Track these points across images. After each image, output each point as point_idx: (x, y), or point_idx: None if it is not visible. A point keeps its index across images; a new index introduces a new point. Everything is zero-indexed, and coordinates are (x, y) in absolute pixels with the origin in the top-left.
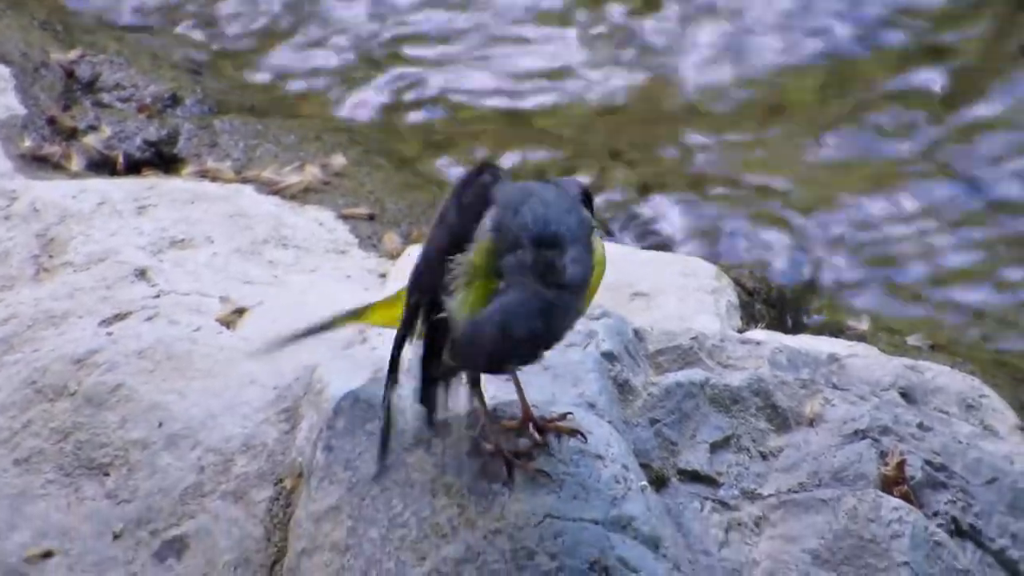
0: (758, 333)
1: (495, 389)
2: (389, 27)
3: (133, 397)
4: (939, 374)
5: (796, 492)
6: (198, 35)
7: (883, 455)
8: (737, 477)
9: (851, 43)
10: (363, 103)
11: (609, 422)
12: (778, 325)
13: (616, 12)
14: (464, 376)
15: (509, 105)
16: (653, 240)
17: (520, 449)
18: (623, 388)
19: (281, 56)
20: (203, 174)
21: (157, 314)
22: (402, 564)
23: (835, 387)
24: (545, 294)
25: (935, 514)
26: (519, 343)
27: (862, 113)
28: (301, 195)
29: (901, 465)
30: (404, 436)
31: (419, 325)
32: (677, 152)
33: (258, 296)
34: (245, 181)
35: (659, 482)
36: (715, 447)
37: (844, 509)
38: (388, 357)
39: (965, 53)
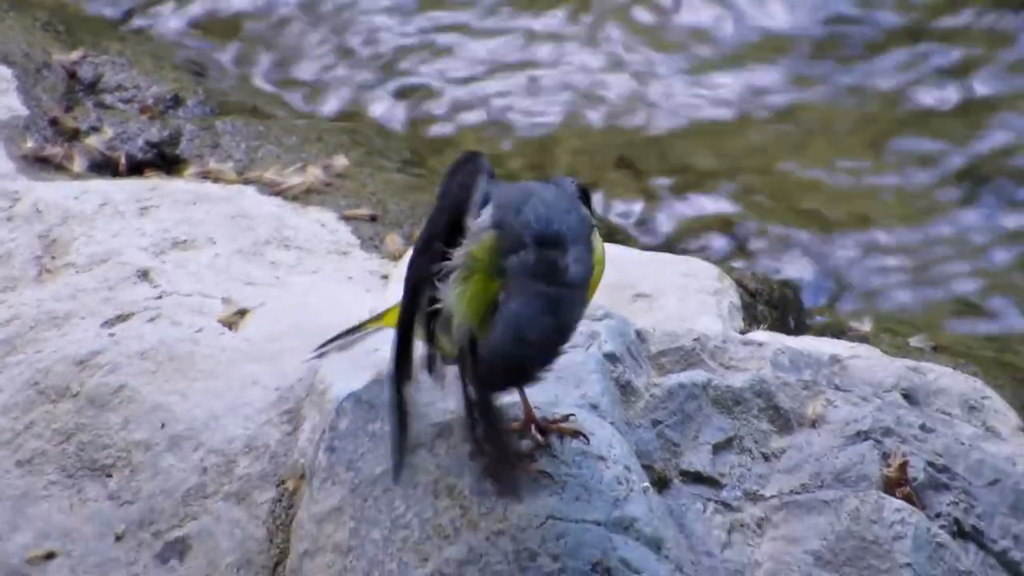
0: (760, 334)
1: None
2: (392, 28)
3: (135, 398)
4: (941, 375)
5: (798, 493)
6: (200, 36)
7: (885, 456)
8: (739, 478)
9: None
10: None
11: (611, 423)
12: (780, 326)
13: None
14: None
15: (511, 107)
16: (657, 241)
17: (523, 451)
18: (625, 389)
19: (283, 57)
20: (205, 175)
21: (159, 315)
22: (404, 565)
23: (837, 388)
24: (549, 292)
25: (937, 515)
26: (536, 345)
27: (864, 113)
28: (303, 196)
29: (903, 466)
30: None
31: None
32: (680, 156)
33: (260, 297)
34: (247, 182)
35: (661, 483)
36: (717, 448)
37: (846, 510)
38: (390, 356)
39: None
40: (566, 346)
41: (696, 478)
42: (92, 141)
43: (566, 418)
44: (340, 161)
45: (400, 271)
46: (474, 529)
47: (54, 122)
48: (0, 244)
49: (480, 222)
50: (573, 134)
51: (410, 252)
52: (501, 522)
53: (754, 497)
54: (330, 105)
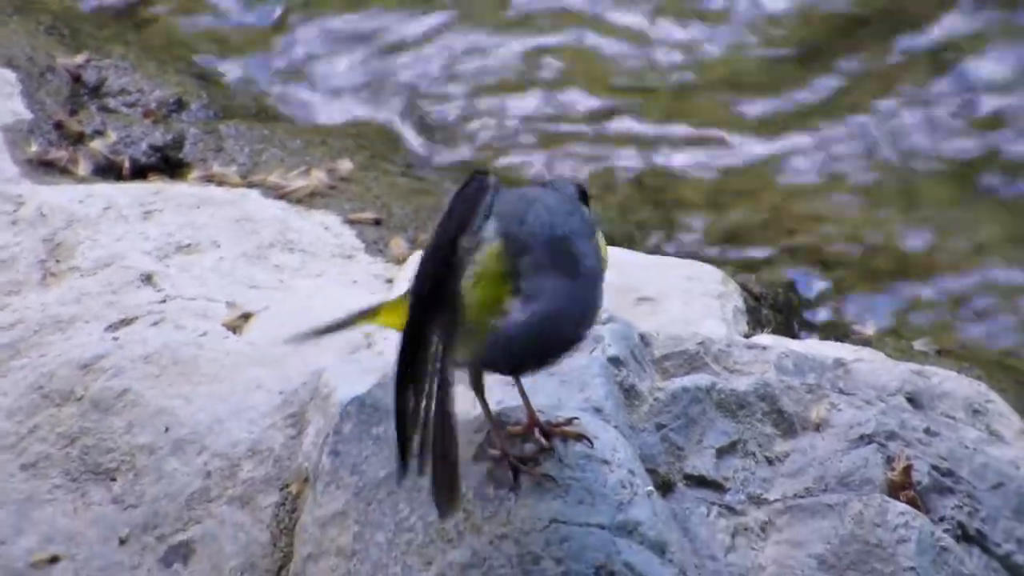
0: (764, 338)
1: (501, 394)
2: (396, 30)
3: (139, 402)
4: (945, 379)
5: (802, 497)
6: (204, 39)
7: (889, 460)
8: (743, 482)
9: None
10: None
11: (615, 427)
12: (784, 330)
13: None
14: (468, 381)
15: (515, 109)
16: (665, 246)
17: (526, 454)
18: (629, 393)
19: (286, 59)
20: (209, 179)
21: (163, 319)
22: (408, 569)
23: (841, 392)
24: (573, 285)
25: (941, 519)
26: (564, 340)
27: (868, 115)
28: (307, 200)
29: (907, 470)
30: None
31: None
32: (684, 160)
33: (264, 301)
34: (251, 186)
35: (665, 487)
36: (721, 452)
37: (850, 514)
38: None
39: None
40: (591, 329)
41: (700, 482)
42: (96, 145)
43: (570, 421)
44: (344, 165)
45: (405, 274)
46: (478, 533)
47: (58, 126)
48: (4, 248)
49: (484, 235)
50: (578, 138)
51: (417, 258)
52: (505, 526)
53: (758, 501)
54: (334, 108)
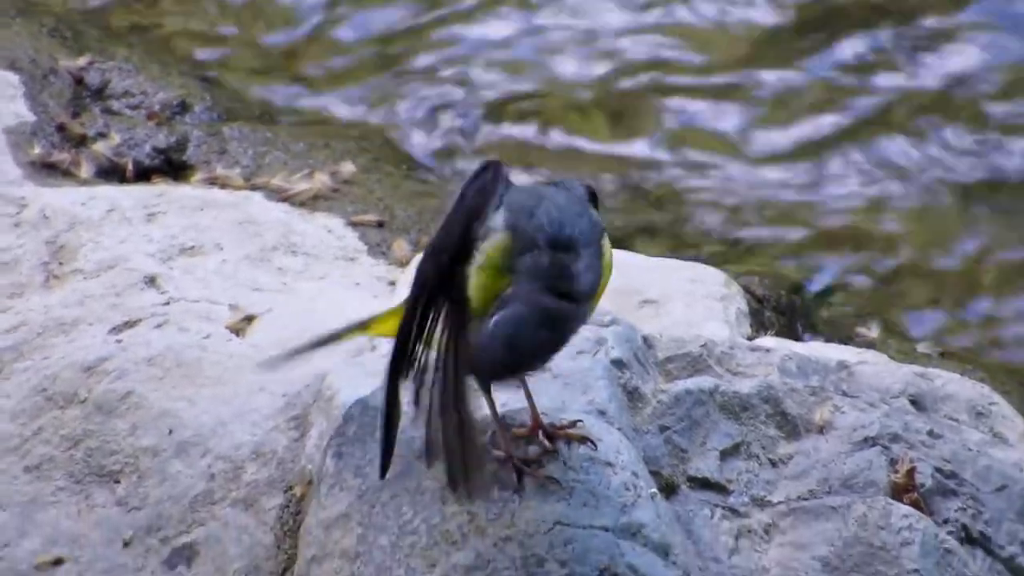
0: (768, 340)
1: (506, 396)
2: (399, 30)
3: (143, 404)
4: (949, 381)
5: (806, 499)
6: (207, 42)
7: (893, 462)
8: (747, 484)
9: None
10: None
11: (619, 429)
12: (788, 332)
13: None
14: (476, 384)
15: (519, 112)
16: (662, 247)
17: (530, 456)
18: (633, 395)
19: (290, 63)
20: (212, 181)
21: (167, 321)
22: (412, 571)
23: (845, 394)
24: (552, 304)
25: (945, 521)
26: (527, 352)
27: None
28: (310, 202)
29: (911, 472)
30: (414, 443)
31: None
32: (687, 165)
33: (267, 303)
34: (254, 188)
35: (669, 489)
36: (725, 454)
37: (854, 516)
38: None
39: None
40: (558, 353)
41: (704, 484)
42: (99, 147)
43: (574, 424)
44: (347, 167)
45: (408, 276)
46: (482, 535)
47: (61, 128)
48: (7, 250)
49: (493, 224)
50: (582, 140)
51: (420, 255)
52: (509, 528)
53: (762, 503)
54: (337, 111)
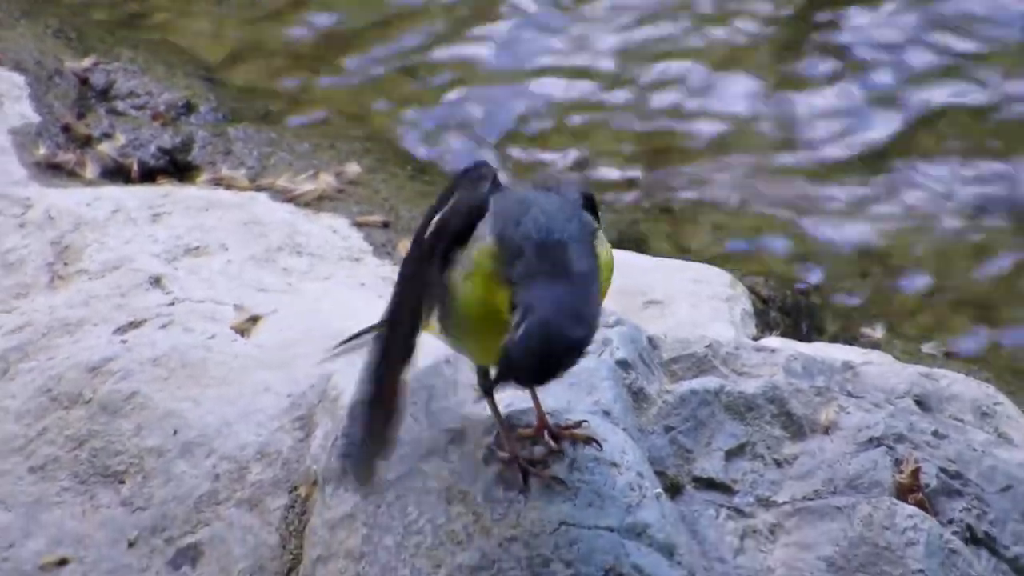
0: (773, 341)
1: (511, 397)
2: (405, 32)
3: (148, 405)
4: (954, 382)
5: (811, 499)
6: (212, 42)
7: (898, 463)
8: (752, 484)
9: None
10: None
11: (624, 430)
12: (793, 333)
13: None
14: (478, 383)
15: (523, 109)
16: (667, 249)
17: (535, 457)
18: (638, 396)
19: (295, 63)
20: (217, 182)
21: (172, 322)
22: (417, 571)
23: (850, 395)
24: (566, 288)
25: (950, 522)
26: (567, 341)
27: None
28: (315, 203)
29: (916, 473)
30: (419, 444)
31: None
32: (691, 167)
33: (272, 304)
34: (259, 189)
35: (674, 489)
36: (730, 454)
37: (859, 516)
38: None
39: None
40: (594, 338)
41: (709, 484)
42: (104, 148)
43: (579, 424)
44: (352, 168)
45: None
46: (487, 535)
47: (66, 129)
48: (12, 251)
49: (479, 232)
50: (584, 140)
51: (405, 251)
52: (514, 528)
53: (767, 503)
54: (342, 112)
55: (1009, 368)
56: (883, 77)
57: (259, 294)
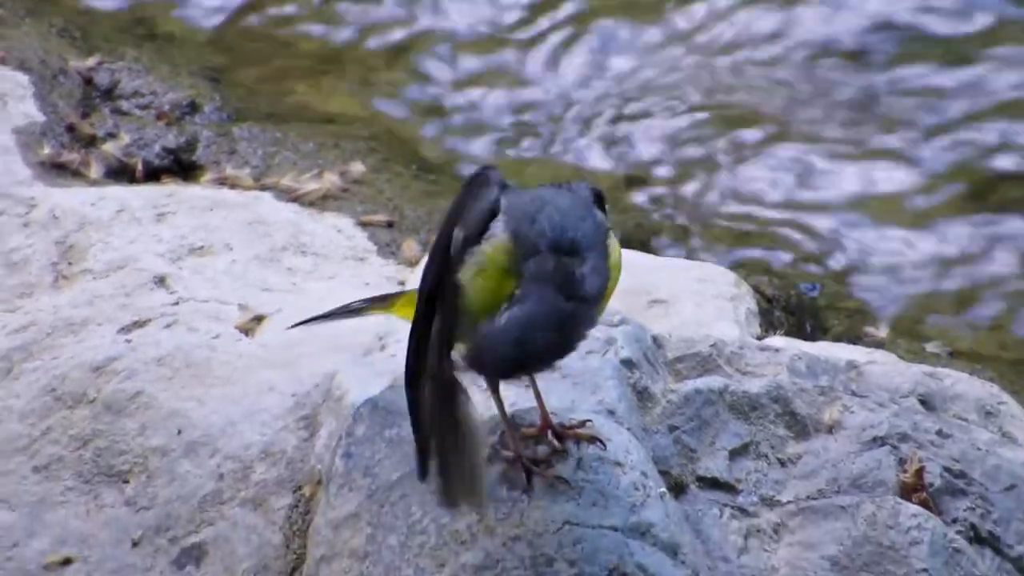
0: (777, 340)
1: (515, 396)
2: (409, 33)
3: (152, 404)
4: (958, 381)
5: (815, 499)
6: (216, 42)
7: (902, 462)
8: (756, 484)
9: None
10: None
11: (628, 429)
12: (797, 332)
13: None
14: (484, 383)
15: (526, 109)
16: (672, 248)
17: (539, 456)
18: (642, 395)
19: (298, 63)
20: (222, 181)
21: (176, 321)
22: (421, 571)
23: (854, 394)
24: (563, 306)
25: (954, 521)
26: (535, 353)
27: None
28: (320, 202)
29: (920, 472)
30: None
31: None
32: (695, 168)
33: (277, 303)
34: (264, 188)
35: (678, 489)
36: (734, 454)
37: (863, 516)
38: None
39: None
40: (566, 356)
41: (713, 484)
42: (109, 147)
43: (583, 424)
44: (357, 167)
45: (417, 276)
46: (491, 535)
47: (71, 128)
48: (17, 250)
49: (492, 230)
50: (585, 141)
51: (425, 259)
52: (518, 527)
53: (771, 503)
54: (346, 111)
55: (1013, 367)
56: None
57: (263, 294)
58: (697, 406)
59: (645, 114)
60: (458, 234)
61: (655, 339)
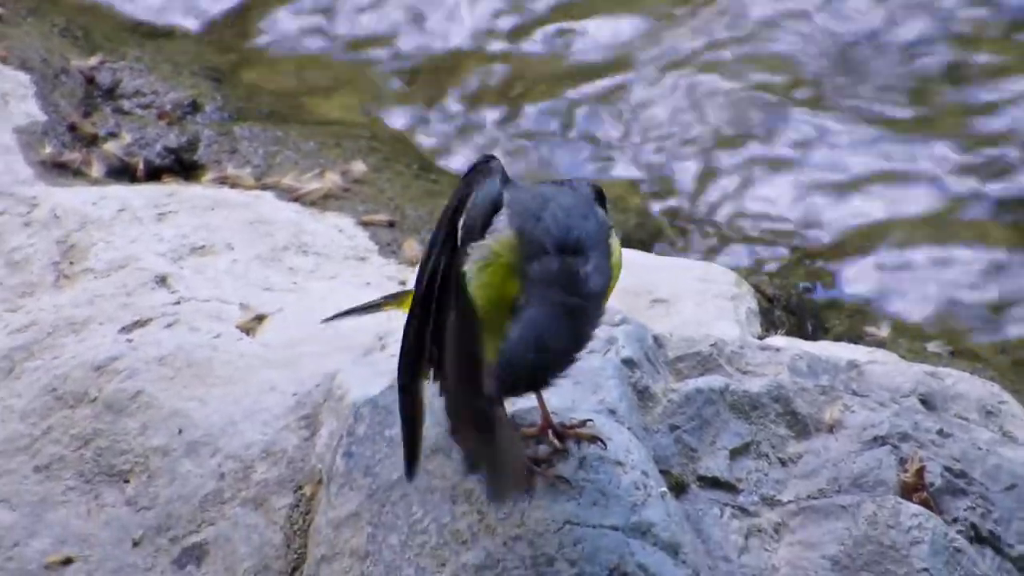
0: (778, 339)
1: None
2: (408, 32)
3: (153, 404)
4: (959, 380)
5: (816, 498)
6: (218, 42)
7: (902, 461)
8: (757, 483)
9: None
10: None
11: (629, 428)
12: (798, 332)
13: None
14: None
15: (528, 109)
16: (673, 248)
17: (540, 456)
18: (643, 395)
19: (301, 63)
20: (223, 181)
21: (177, 321)
22: (422, 571)
23: (855, 393)
24: (568, 302)
25: (954, 520)
26: (553, 352)
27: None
28: (321, 202)
29: (920, 471)
30: (427, 440)
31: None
32: (696, 168)
33: (278, 303)
34: (265, 188)
35: (679, 488)
36: (735, 453)
37: (864, 515)
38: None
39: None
40: (582, 353)
41: (713, 483)
42: (110, 147)
43: (584, 423)
44: (358, 167)
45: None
46: (492, 534)
47: (72, 128)
48: (18, 250)
49: (496, 225)
50: (588, 140)
51: (422, 254)
52: (519, 527)
53: (771, 502)
54: (348, 111)
55: (1014, 367)
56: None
57: (265, 293)
58: (698, 405)
59: (645, 114)
60: (462, 225)
61: (656, 338)
